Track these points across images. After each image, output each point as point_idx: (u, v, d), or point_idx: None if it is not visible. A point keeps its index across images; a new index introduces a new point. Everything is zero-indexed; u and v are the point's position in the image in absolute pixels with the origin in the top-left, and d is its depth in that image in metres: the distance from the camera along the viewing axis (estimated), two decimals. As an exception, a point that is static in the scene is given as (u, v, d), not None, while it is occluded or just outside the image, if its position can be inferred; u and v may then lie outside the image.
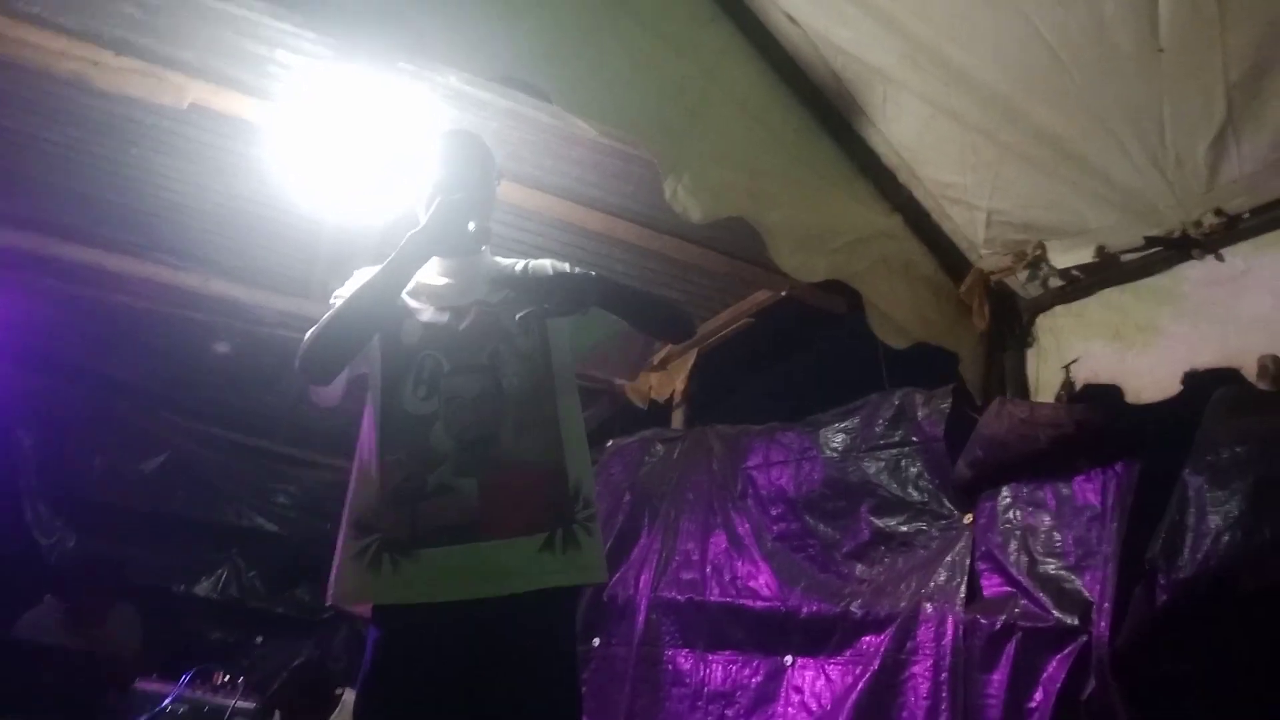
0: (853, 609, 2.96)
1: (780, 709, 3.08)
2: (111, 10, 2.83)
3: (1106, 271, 3.02)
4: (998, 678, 2.50)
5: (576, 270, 2.13)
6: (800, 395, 3.82)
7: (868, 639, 2.90)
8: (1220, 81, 2.33)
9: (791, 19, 2.89)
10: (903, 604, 2.82)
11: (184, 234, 4.06)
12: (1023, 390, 3.25)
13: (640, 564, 3.75)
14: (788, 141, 3.09)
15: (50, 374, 5.11)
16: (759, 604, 3.27)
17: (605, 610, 3.77)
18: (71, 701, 3.67)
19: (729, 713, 3.23)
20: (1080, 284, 3.13)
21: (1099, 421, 2.59)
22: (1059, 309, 3.24)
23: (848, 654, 2.95)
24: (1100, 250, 2.96)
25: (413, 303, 2.09)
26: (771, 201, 3.06)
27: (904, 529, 3.03)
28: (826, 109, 3.11)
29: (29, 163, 3.63)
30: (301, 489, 5.74)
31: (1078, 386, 3.08)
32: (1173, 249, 2.78)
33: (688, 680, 3.41)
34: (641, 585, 3.68)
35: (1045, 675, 2.40)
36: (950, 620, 2.67)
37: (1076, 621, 2.37)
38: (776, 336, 4.36)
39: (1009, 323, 3.35)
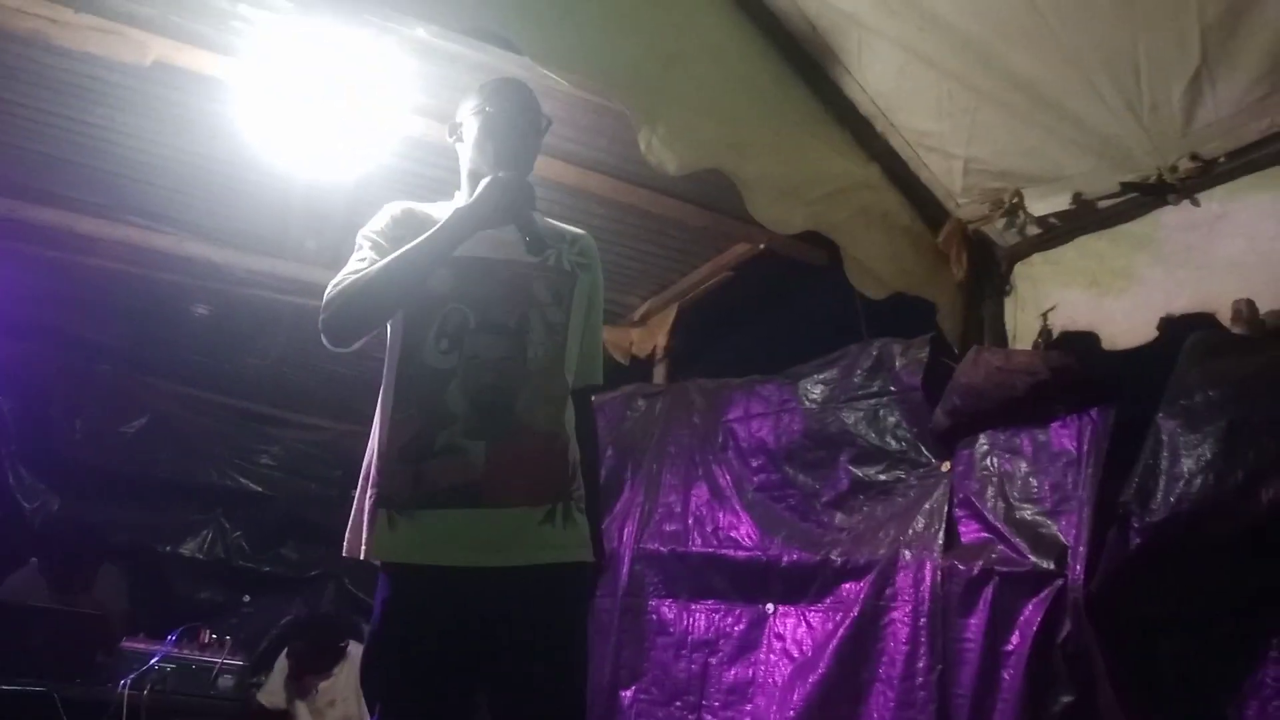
0: (833, 557, 3.00)
1: (763, 656, 3.13)
2: (70, -35, 2.76)
3: (1083, 218, 3.02)
4: (975, 622, 2.54)
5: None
6: (781, 348, 3.82)
7: (848, 586, 2.94)
8: (1195, 23, 2.32)
9: (765, -35, 2.86)
10: (882, 551, 2.85)
11: (154, 195, 4.00)
12: (1001, 339, 3.27)
13: (623, 517, 3.77)
14: (764, 91, 3.06)
15: (26, 339, 5.07)
16: (740, 554, 3.31)
17: (589, 564, 3.80)
18: (59, 662, 3.69)
19: (712, 660, 3.28)
20: (1057, 231, 3.13)
21: (1074, 368, 2.60)
22: (1036, 257, 3.24)
23: (828, 601, 2.99)
24: (1077, 197, 2.96)
25: None
26: (748, 153, 3.03)
27: (883, 478, 3.05)
28: (802, 57, 3.08)
29: (-10, 125, 3.57)
30: (284, 449, 5.74)
31: (1055, 334, 3.10)
32: (1149, 195, 2.78)
33: (672, 629, 3.46)
34: (625, 538, 3.71)
35: (1022, 619, 2.44)
36: (929, 566, 2.70)
37: (1052, 566, 2.40)
38: (757, 290, 4.35)
39: (987, 271, 3.36)
